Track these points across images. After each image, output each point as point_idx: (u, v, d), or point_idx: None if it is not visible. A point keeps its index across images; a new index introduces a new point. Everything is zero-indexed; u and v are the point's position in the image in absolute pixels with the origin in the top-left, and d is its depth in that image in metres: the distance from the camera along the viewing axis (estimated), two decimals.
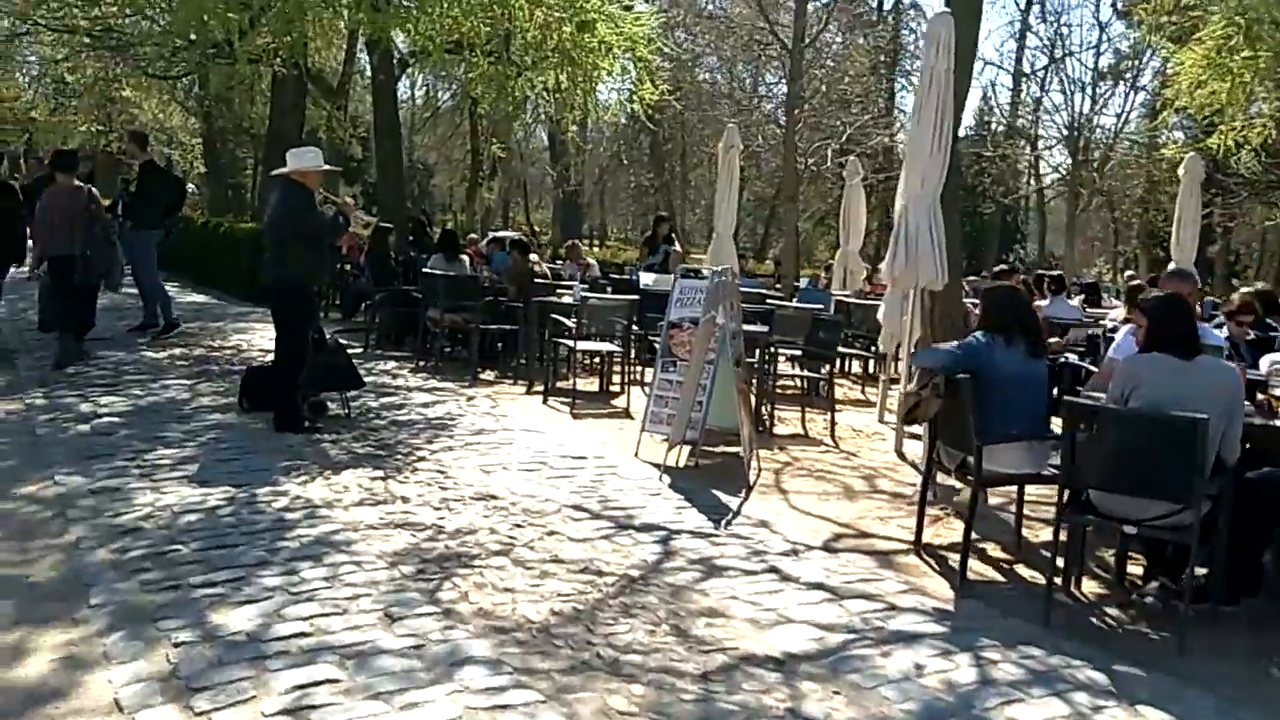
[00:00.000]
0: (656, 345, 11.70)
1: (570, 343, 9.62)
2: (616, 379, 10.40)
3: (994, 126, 39.92)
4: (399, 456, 6.80)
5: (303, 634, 3.95)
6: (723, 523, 5.76)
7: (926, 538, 5.57)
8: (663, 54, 17.67)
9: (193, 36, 17.98)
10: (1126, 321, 9.92)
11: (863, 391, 11.31)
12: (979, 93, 52.77)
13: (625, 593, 4.56)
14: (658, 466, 6.88)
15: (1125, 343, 6.06)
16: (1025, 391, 5.19)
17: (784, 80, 24.02)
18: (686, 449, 7.16)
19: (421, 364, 10.99)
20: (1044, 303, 11.11)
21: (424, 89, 47.63)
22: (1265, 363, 5.40)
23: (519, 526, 5.43)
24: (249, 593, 4.34)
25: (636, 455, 7.29)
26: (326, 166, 7.66)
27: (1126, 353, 5.93)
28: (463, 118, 38.92)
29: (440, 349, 11.15)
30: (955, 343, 5.47)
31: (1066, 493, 4.63)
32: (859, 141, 23.57)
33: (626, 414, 9.07)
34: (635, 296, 10.23)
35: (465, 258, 11.59)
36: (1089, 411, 4.54)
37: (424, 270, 11.07)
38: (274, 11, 14.93)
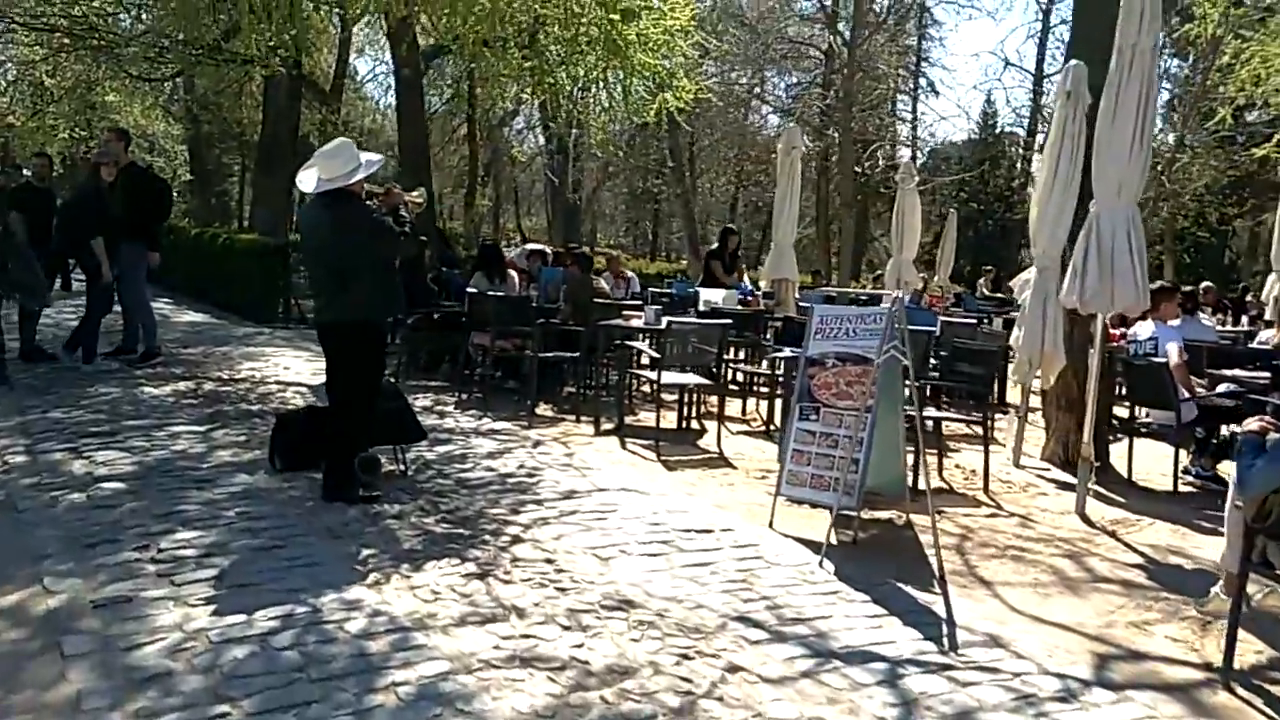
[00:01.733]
0: (738, 377, 10.32)
1: (651, 374, 8.19)
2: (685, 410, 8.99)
3: (1002, 128, 38.87)
4: (487, 537, 5.32)
5: None
6: (945, 641, 4.31)
7: (1208, 649, 4.16)
8: (702, 50, 16.25)
9: (180, 35, 16.62)
10: None
11: (966, 426, 9.87)
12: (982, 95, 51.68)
13: None
14: (814, 547, 5.44)
15: None
16: None
17: (816, 81, 22.65)
18: (821, 515, 5.71)
19: (464, 397, 9.53)
20: (1175, 322, 9.68)
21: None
22: None
23: (686, 658, 3.96)
24: None
25: (772, 526, 5.85)
26: (371, 157, 6.08)
27: None
28: (459, 121, 37.48)
29: (486, 379, 9.68)
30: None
31: None
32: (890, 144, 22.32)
33: (724, 461, 7.63)
34: (727, 321, 8.77)
35: (513, 275, 10.12)
36: None
37: (469, 290, 9.60)
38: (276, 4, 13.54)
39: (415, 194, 6.77)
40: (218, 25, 16.64)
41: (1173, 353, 7.66)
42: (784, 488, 5.95)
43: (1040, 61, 33.26)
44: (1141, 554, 5.78)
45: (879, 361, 5.22)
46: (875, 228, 36.66)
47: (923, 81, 31.52)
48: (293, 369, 10.65)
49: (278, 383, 9.76)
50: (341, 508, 5.67)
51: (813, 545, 5.49)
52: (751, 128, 35.05)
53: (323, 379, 10.22)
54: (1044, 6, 33.00)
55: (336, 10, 13.65)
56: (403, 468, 6.54)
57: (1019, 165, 37.26)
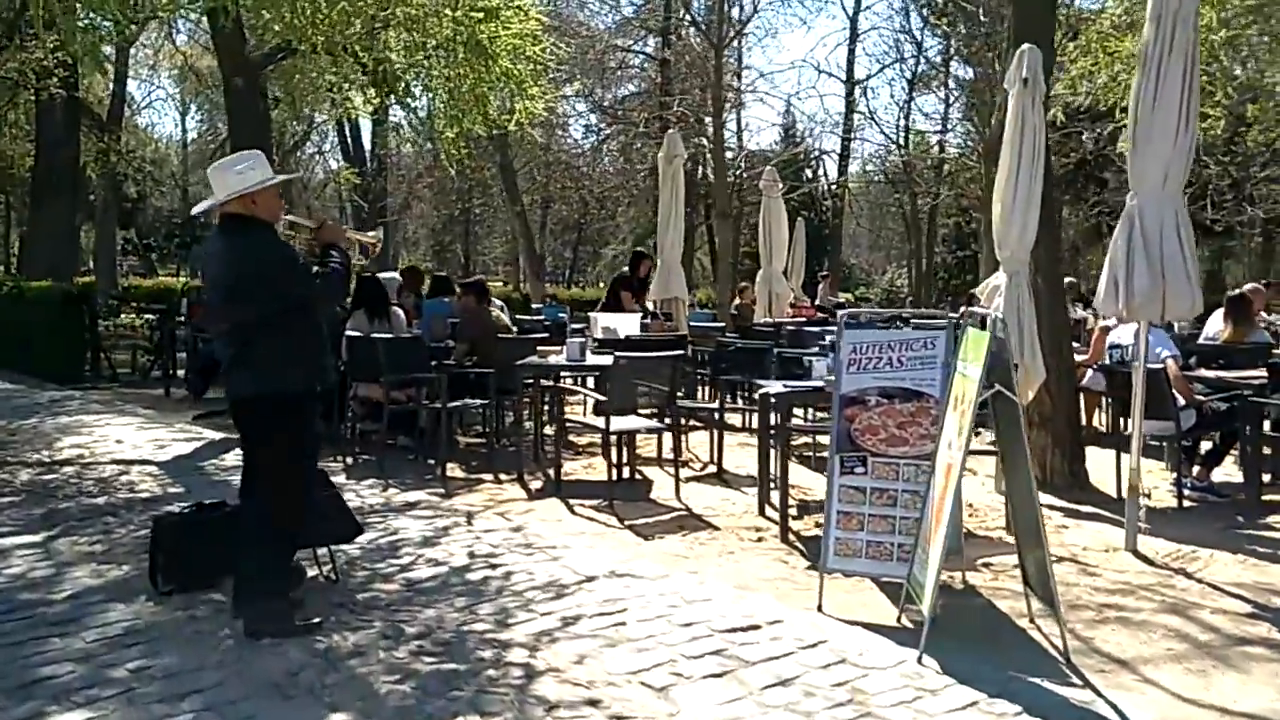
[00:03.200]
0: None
1: (598, 422, 6.97)
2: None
3: (803, 135, 39.36)
4: (491, 671, 3.98)
5: None
6: None
7: None
8: (549, 56, 15.00)
9: None
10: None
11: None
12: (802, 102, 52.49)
13: None
14: (891, 635, 4.37)
15: None
16: None
17: (653, 91, 21.78)
18: (867, 586, 4.66)
19: (349, 461, 8.06)
20: (1109, 322, 9.12)
21: (202, 115, 43.05)
22: None
23: None
24: None
25: (821, 609, 4.74)
26: (279, 176, 4.71)
27: None
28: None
29: (373, 438, 8.21)
30: None
31: None
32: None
33: (698, 519, 6.49)
34: (679, 352, 7.61)
35: (399, 312, 8.65)
36: None
37: (348, 334, 8.09)
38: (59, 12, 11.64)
39: (370, 235, 5.33)
40: None
41: (1170, 360, 7.02)
42: (831, 560, 4.85)
43: (850, 67, 33.66)
44: (1241, 598, 4.97)
45: (976, 400, 4.19)
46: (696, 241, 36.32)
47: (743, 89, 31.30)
48: (128, 442, 8.82)
49: (115, 462, 7.96)
50: (276, 646, 4.19)
51: (887, 632, 4.44)
52: (562, 144, 34.09)
53: (171, 452, 8.56)
54: (851, 14, 33.50)
55: (138, 15, 11.71)
56: (332, 574, 5.08)
57: (824, 171, 37.79)
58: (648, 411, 7.69)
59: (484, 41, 11.04)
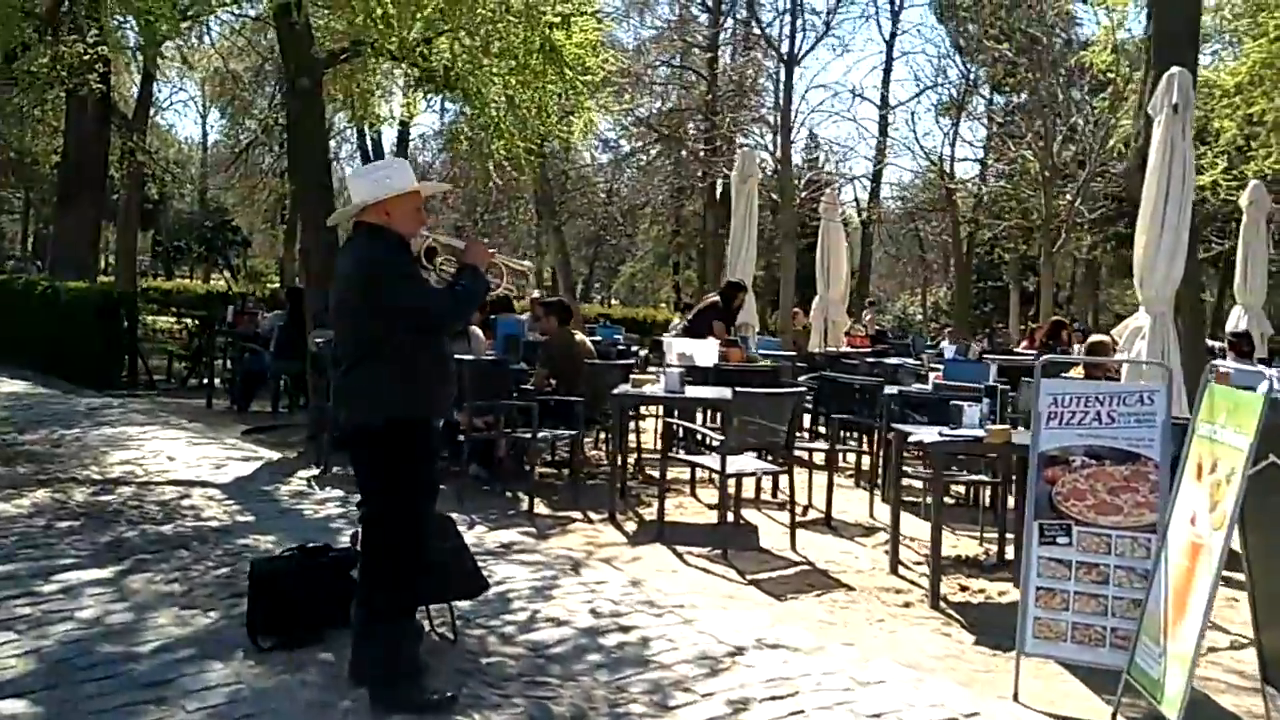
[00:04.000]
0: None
1: (712, 463, 6.38)
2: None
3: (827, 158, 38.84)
4: None
5: None
6: None
7: None
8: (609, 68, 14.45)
9: None
10: None
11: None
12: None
13: None
14: None
15: None
16: None
17: (698, 107, 21.25)
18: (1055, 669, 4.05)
19: None
20: (1226, 365, 8.56)
21: (224, 120, 42.64)
22: None
23: None
24: None
25: (1017, 698, 4.14)
26: (427, 186, 4.22)
27: None
28: (268, 153, 34.53)
29: (455, 469, 7.62)
30: None
31: None
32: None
33: (827, 577, 5.88)
34: (800, 389, 7.02)
35: (478, 333, 8.07)
36: None
37: None
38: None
39: (522, 263, 4.72)
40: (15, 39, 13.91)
41: None
42: (1030, 642, 4.24)
43: (885, 92, 33.18)
44: None
45: (1244, 470, 3.59)
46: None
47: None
48: (180, 459, 8.22)
49: (173, 483, 7.36)
50: None
51: None
52: (588, 160, 33.73)
53: (230, 473, 7.95)
54: (887, 38, 33.10)
55: (204, 10, 11.25)
56: (449, 633, 4.48)
57: (855, 196, 37.28)
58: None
59: (558, 47, 10.50)
